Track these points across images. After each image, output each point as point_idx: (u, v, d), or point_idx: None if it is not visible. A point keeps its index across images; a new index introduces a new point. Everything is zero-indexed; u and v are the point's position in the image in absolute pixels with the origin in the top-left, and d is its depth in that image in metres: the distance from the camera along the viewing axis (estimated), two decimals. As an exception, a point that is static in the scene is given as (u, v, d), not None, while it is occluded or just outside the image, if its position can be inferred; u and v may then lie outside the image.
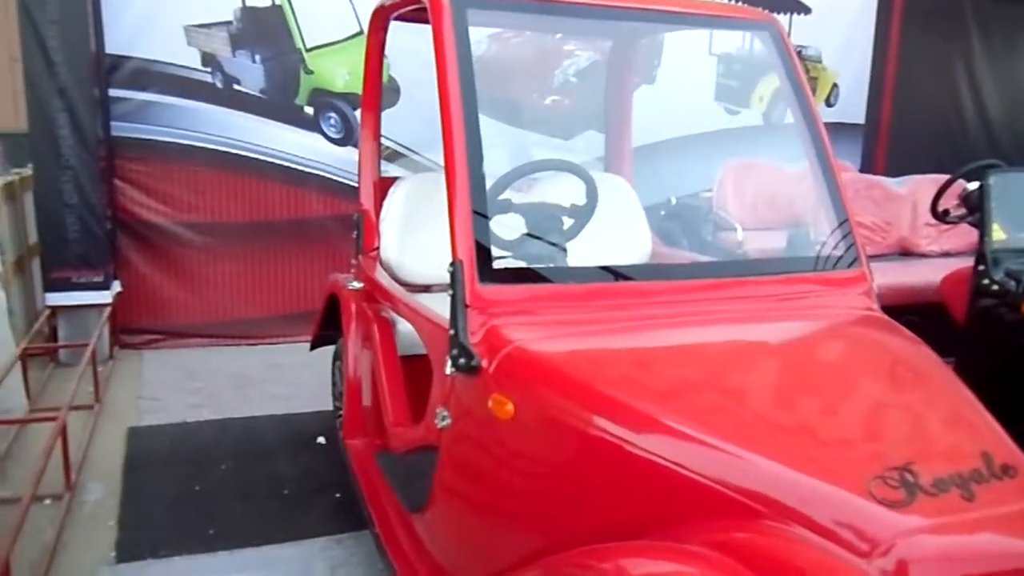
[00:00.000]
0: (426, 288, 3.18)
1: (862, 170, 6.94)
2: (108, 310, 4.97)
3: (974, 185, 3.87)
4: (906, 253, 5.56)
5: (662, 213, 5.06)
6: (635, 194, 3.42)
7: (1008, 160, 4.96)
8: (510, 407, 1.92)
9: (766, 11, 2.84)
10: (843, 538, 1.46)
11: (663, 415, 1.74)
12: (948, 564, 1.43)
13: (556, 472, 1.89)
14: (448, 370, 2.08)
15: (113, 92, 5.14)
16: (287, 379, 4.84)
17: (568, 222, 2.47)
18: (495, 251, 2.11)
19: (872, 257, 2.60)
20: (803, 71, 2.67)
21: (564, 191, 2.58)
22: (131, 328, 5.36)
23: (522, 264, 2.21)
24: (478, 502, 2.15)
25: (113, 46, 5.08)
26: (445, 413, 2.18)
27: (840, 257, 2.44)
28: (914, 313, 3.21)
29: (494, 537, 2.06)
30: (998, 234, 3.78)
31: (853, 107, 7.24)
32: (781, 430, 1.76)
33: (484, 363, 1.99)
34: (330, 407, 3.95)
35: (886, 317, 2.33)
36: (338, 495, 3.44)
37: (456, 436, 2.18)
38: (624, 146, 3.76)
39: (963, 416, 1.84)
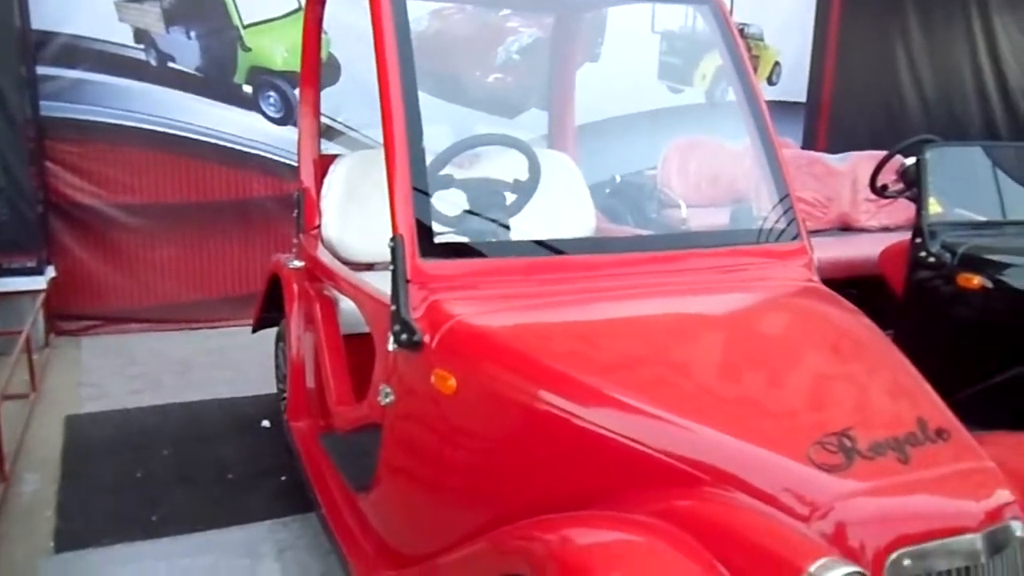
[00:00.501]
0: (369, 266, 3.15)
1: (804, 147, 7.04)
2: (42, 296, 4.83)
3: (911, 160, 3.94)
4: (846, 228, 5.64)
5: (607, 191, 5.07)
6: (579, 171, 3.42)
7: (944, 136, 5.06)
8: (452, 382, 1.91)
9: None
10: (783, 503, 1.48)
11: (606, 387, 1.74)
12: (884, 525, 1.46)
13: (500, 446, 1.89)
14: (390, 346, 2.06)
15: (41, 70, 4.97)
16: (229, 362, 4.76)
17: (511, 197, 2.46)
18: (436, 226, 2.09)
19: (813, 232, 2.64)
20: (745, 49, 2.68)
21: (506, 167, 2.56)
22: (67, 314, 5.23)
23: (464, 239, 2.19)
24: (423, 479, 2.14)
25: (40, 22, 4.91)
26: (388, 390, 2.16)
27: (782, 230, 2.47)
28: (854, 286, 3.26)
29: (440, 513, 2.05)
30: (934, 208, 3.86)
31: (795, 85, 7.34)
32: (723, 400, 1.77)
33: (426, 338, 1.97)
34: (274, 390, 3.89)
35: (826, 288, 2.36)
36: (283, 478, 3.39)
37: (399, 413, 2.16)
38: (567, 124, 3.76)
39: (900, 384, 1.87)
